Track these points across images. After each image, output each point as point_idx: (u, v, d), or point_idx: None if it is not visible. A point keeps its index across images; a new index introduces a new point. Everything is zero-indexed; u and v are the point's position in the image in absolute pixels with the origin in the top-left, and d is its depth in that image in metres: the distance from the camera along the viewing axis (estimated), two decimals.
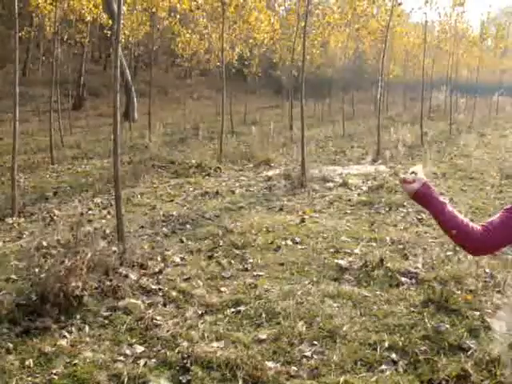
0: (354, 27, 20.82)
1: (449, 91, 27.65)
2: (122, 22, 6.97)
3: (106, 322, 4.46)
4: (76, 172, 11.64)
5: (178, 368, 3.81)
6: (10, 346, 4.03)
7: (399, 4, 16.08)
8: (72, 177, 11.05)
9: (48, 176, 11.12)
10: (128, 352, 4.00)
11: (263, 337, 4.21)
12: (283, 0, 27.22)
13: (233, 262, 5.96)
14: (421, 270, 5.62)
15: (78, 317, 4.49)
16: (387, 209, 8.34)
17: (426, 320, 4.47)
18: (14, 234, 6.99)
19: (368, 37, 22.36)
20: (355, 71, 33.63)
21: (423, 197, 2.62)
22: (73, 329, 4.31)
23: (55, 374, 3.71)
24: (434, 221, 2.69)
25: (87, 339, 4.18)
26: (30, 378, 3.68)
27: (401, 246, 6.44)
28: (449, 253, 6.14)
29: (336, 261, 5.94)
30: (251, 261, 5.97)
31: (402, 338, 4.18)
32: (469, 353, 3.96)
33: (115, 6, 16.33)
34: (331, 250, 6.38)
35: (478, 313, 4.58)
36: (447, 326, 4.37)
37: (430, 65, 21.90)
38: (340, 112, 22.81)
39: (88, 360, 3.87)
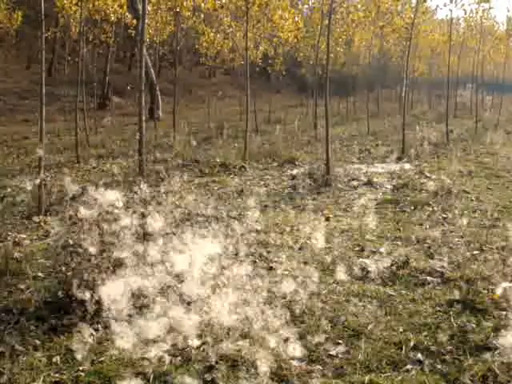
0: (378, 25, 20.71)
1: (474, 89, 27.43)
2: (146, 21, 7.01)
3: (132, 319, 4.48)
4: (101, 171, 11.72)
5: (203, 366, 3.82)
6: (38, 342, 4.08)
7: (424, 1, 15.97)
8: (97, 175, 11.12)
9: (74, 175, 11.21)
10: (154, 350, 4.02)
11: (288, 335, 4.20)
12: None
13: (257, 260, 5.97)
14: (446, 269, 5.58)
15: (104, 315, 4.52)
16: (412, 207, 8.30)
17: (452, 319, 4.44)
18: (40, 232, 7.07)
19: (392, 34, 22.26)
20: (380, 69, 33.48)
21: None
22: (99, 326, 4.35)
23: (82, 371, 3.74)
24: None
25: (113, 337, 4.21)
26: (57, 375, 3.72)
27: (426, 245, 6.41)
28: (475, 252, 6.10)
29: (361, 259, 5.92)
30: (276, 260, 5.97)
31: (428, 338, 4.16)
32: (495, 352, 3.93)
33: (140, 6, 16.42)
34: (356, 248, 6.37)
35: (504, 312, 4.54)
36: (473, 325, 4.33)
37: (456, 62, 21.71)
38: (365, 110, 22.74)
39: (114, 357, 3.90)
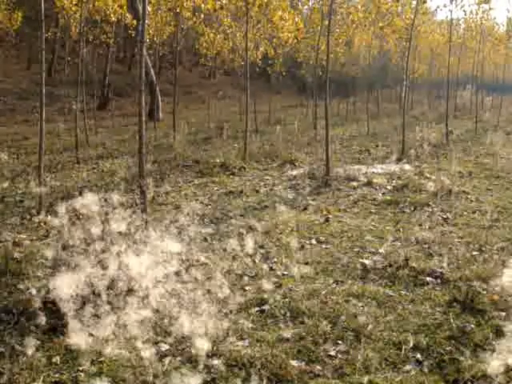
0: (378, 26, 20.71)
1: (474, 89, 27.46)
2: (146, 22, 7.01)
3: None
4: (101, 171, 11.72)
5: (202, 366, 3.83)
6: (38, 343, 4.08)
7: (424, 2, 15.98)
8: (97, 176, 11.12)
9: (73, 175, 11.21)
10: (153, 350, 4.02)
11: (287, 336, 4.21)
12: None
13: (257, 261, 5.97)
14: (446, 270, 5.58)
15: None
16: (412, 208, 8.31)
17: (452, 320, 4.44)
18: (40, 232, 7.07)
19: (392, 35, 22.26)
20: (380, 70, 33.50)
21: None
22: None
23: (81, 371, 3.75)
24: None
25: (113, 337, 4.21)
26: (57, 375, 3.72)
27: (426, 246, 6.41)
28: (474, 252, 6.11)
29: (360, 260, 5.92)
30: (275, 260, 5.98)
31: (427, 338, 4.16)
32: (495, 353, 3.93)
33: (140, 6, 16.44)
34: (356, 249, 6.37)
35: (504, 313, 4.54)
36: (473, 326, 4.33)
37: (456, 63, 21.73)
38: (364, 111, 22.75)
39: (114, 358, 3.91)
